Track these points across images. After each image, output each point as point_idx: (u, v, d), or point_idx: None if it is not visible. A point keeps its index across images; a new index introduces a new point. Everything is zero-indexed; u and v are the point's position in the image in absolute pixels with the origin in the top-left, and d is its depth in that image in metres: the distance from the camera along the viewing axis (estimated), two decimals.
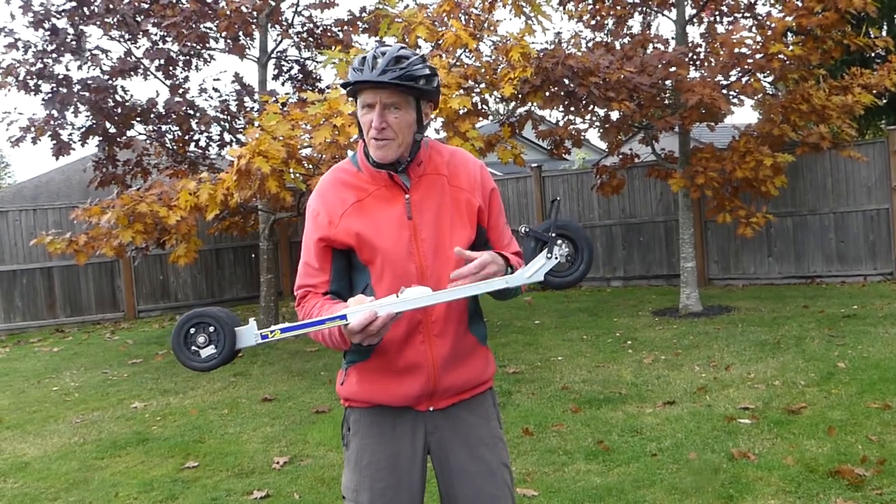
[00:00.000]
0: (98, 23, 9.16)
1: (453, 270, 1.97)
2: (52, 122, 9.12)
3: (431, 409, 2.03)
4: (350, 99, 2.06)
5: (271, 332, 1.85)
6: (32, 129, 9.08)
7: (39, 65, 9.03)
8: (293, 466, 4.56)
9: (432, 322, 1.97)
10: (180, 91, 9.71)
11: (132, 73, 9.45)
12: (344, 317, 1.79)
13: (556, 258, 1.87)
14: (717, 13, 9.75)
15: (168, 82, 9.86)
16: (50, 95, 9.07)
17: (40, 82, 9.11)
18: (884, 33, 12.47)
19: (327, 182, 2.06)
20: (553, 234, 1.87)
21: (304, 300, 2.03)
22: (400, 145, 1.95)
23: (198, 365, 1.87)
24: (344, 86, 1.97)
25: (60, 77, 9.15)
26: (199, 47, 9.51)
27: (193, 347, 1.87)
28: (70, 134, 9.43)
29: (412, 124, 1.95)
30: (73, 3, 9.12)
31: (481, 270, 1.87)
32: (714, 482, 3.82)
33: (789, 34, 8.71)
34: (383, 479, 2.01)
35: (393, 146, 1.94)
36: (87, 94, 8.97)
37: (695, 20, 9.56)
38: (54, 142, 9.21)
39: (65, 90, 9.05)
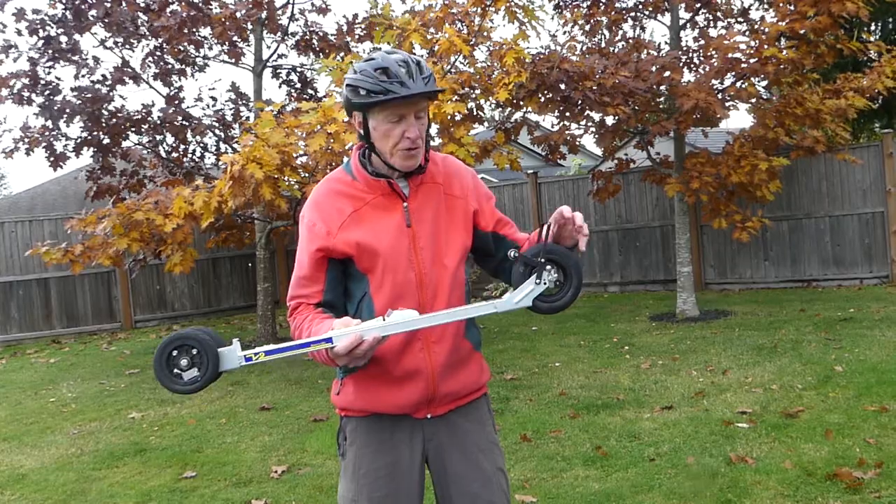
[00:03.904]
0: (94, 30, 9.17)
1: (449, 279, 1.99)
2: (46, 134, 9.12)
3: (429, 416, 2.03)
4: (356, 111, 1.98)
5: (255, 354, 1.83)
6: (26, 139, 9.07)
7: (33, 73, 9.03)
8: (291, 475, 4.55)
9: (430, 329, 1.96)
10: (175, 101, 9.72)
11: (131, 80, 9.45)
12: (330, 340, 1.78)
13: (545, 284, 1.86)
14: (710, 18, 9.79)
15: (164, 91, 9.87)
16: (45, 104, 9.06)
17: (33, 95, 9.10)
18: (876, 37, 12.54)
19: (322, 192, 2.04)
20: (542, 260, 1.86)
21: (295, 311, 2.02)
22: (422, 150, 1.97)
23: (180, 388, 1.84)
24: (381, 101, 1.86)
25: (55, 85, 9.15)
26: (193, 52, 9.52)
27: (176, 370, 1.84)
28: (65, 145, 9.43)
29: (426, 127, 1.99)
30: (69, 13, 9.13)
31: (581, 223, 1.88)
32: (712, 486, 3.81)
33: (782, 38, 8.74)
34: (382, 488, 2.01)
35: (419, 153, 1.96)
36: (80, 102, 8.96)
37: (688, 25, 9.60)
38: (48, 153, 9.22)
39: (59, 98, 9.06)
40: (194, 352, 1.83)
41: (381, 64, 1.87)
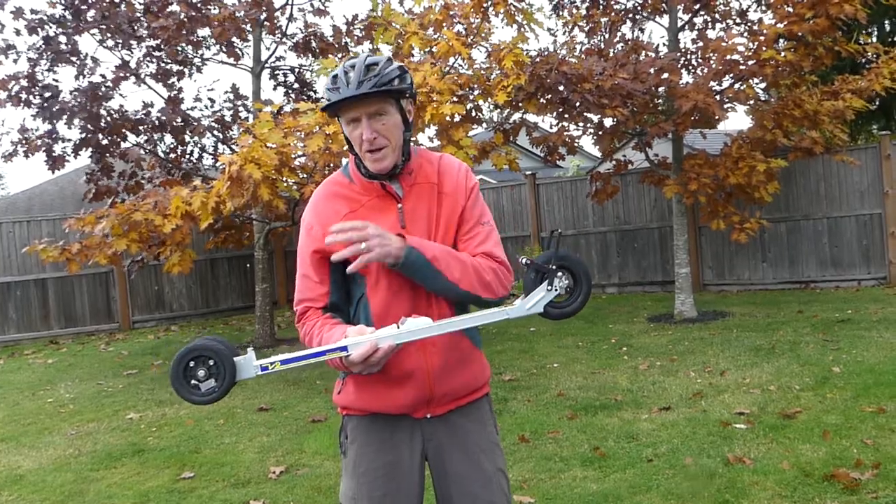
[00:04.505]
0: (93, 31, 9.15)
1: None
2: (45, 138, 9.11)
3: (429, 416, 2.04)
4: (334, 118, 2.06)
5: (271, 363, 1.84)
6: (24, 143, 9.06)
7: (31, 74, 9.01)
8: (289, 476, 4.55)
9: None
10: (174, 103, 9.72)
11: (132, 77, 9.45)
12: (345, 348, 1.80)
13: (557, 290, 1.89)
14: (708, 19, 9.79)
15: (165, 94, 9.86)
16: (44, 106, 9.05)
17: (30, 97, 9.08)
18: (874, 39, 12.57)
19: (320, 195, 2.08)
20: (553, 267, 1.89)
21: (304, 317, 2.03)
22: (394, 149, 1.97)
23: (198, 399, 1.85)
24: (325, 109, 1.97)
25: (54, 86, 9.14)
26: (192, 52, 9.51)
27: (193, 381, 1.85)
28: (63, 147, 9.43)
29: (399, 125, 1.98)
30: (68, 13, 9.12)
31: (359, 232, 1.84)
32: (710, 487, 3.82)
33: (781, 40, 8.75)
34: (382, 487, 2.02)
35: (388, 153, 1.96)
36: (78, 103, 8.95)
37: (687, 27, 9.61)
38: (47, 156, 9.21)
39: (57, 99, 9.04)
40: (211, 363, 1.84)
41: (334, 72, 1.95)
